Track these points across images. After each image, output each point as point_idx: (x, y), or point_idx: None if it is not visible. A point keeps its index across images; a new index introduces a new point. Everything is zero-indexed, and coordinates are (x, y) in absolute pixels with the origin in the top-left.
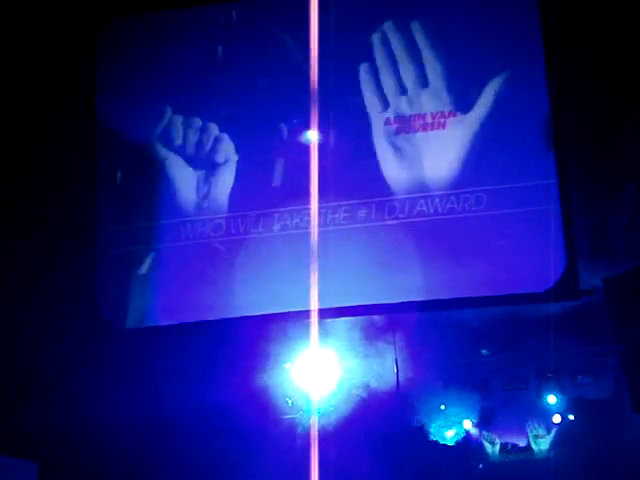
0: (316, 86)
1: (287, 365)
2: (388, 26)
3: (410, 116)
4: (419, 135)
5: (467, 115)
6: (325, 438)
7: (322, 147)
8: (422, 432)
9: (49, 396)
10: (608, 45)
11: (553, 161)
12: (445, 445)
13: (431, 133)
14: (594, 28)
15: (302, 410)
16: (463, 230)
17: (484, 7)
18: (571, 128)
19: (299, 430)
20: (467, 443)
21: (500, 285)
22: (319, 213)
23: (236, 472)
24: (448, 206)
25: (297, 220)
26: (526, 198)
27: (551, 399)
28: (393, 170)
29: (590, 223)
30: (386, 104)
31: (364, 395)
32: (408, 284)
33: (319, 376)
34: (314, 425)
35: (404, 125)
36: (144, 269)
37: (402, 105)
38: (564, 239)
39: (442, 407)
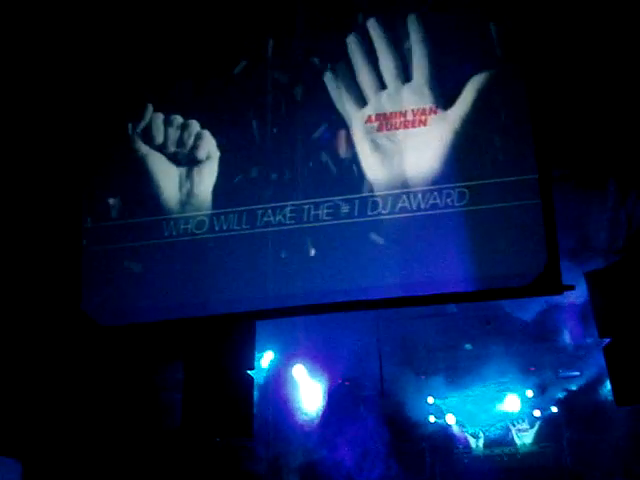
0: (295, 82)
1: (269, 354)
2: (371, 23)
3: (391, 113)
4: (400, 132)
5: (448, 111)
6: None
7: (305, 144)
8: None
9: (33, 393)
10: (590, 45)
11: (534, 156)
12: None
13: (412, 130)
14: (576, 28)
15: None
16: (445, 225)
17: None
18: (552, 123)
19: None
20: (452, 437)
21: (482, 280)
22: (302, 209)
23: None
24: (430, 202)
25: (280, 217)
26: (508, 193)
27: (529, 393)
28: (374, 168)
29: (572, 218)
30: (365, 101)
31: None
32: (390, 280)
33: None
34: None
35: (385, 123)
36: (127, 266)
37: (383, 102)
38: (546, 234)
39: (429, 400)
